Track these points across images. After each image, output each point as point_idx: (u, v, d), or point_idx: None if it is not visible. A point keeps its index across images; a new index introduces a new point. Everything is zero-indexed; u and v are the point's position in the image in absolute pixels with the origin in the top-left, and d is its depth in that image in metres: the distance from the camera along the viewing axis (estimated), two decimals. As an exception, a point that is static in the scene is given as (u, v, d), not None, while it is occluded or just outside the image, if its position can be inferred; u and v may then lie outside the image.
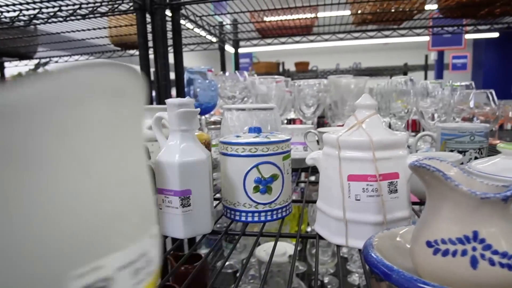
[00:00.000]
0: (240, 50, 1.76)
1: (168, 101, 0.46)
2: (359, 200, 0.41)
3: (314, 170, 0.82)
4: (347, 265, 1.31)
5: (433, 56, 4.60)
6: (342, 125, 0.48)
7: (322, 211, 0.46)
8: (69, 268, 0.15)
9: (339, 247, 0.43)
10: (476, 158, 0.66)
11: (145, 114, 0.82)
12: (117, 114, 0.17)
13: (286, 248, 0.95)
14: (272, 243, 0.48)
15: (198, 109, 0.46)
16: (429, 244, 0.29)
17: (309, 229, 1.42)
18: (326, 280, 1.23)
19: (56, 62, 1.84)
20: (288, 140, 0.52)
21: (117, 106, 0.17)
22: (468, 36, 4.00)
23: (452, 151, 0.67)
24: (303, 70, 3.15)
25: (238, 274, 1.25)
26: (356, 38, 1.51)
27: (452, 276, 0.27)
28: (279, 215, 0.52)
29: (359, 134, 0.42)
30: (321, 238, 0.46)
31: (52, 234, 0.15)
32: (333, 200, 0.43)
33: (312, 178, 1.16)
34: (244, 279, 1.08)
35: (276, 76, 1.14)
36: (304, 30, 1.52)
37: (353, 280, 1.25)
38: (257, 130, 0.54)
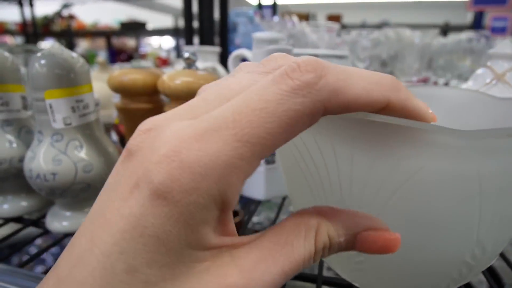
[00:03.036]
0: (264, 2, 1.61)
1: (256, 35, 0.38)
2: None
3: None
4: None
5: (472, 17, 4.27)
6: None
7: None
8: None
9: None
10: None
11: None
12: None
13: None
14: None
15: (292, 47, 0.38)
16: None
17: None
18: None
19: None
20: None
21: None
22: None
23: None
24: (335, 24, 2.95)
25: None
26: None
27: None
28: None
29: (499, 91, 0.34)
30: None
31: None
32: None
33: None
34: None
35: (329, 24, 1.02)
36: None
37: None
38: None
